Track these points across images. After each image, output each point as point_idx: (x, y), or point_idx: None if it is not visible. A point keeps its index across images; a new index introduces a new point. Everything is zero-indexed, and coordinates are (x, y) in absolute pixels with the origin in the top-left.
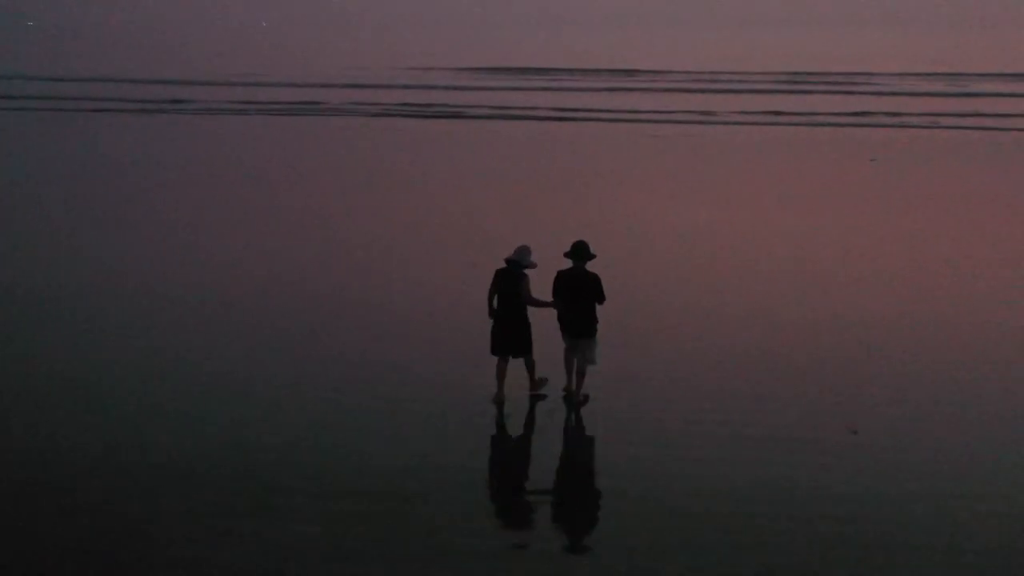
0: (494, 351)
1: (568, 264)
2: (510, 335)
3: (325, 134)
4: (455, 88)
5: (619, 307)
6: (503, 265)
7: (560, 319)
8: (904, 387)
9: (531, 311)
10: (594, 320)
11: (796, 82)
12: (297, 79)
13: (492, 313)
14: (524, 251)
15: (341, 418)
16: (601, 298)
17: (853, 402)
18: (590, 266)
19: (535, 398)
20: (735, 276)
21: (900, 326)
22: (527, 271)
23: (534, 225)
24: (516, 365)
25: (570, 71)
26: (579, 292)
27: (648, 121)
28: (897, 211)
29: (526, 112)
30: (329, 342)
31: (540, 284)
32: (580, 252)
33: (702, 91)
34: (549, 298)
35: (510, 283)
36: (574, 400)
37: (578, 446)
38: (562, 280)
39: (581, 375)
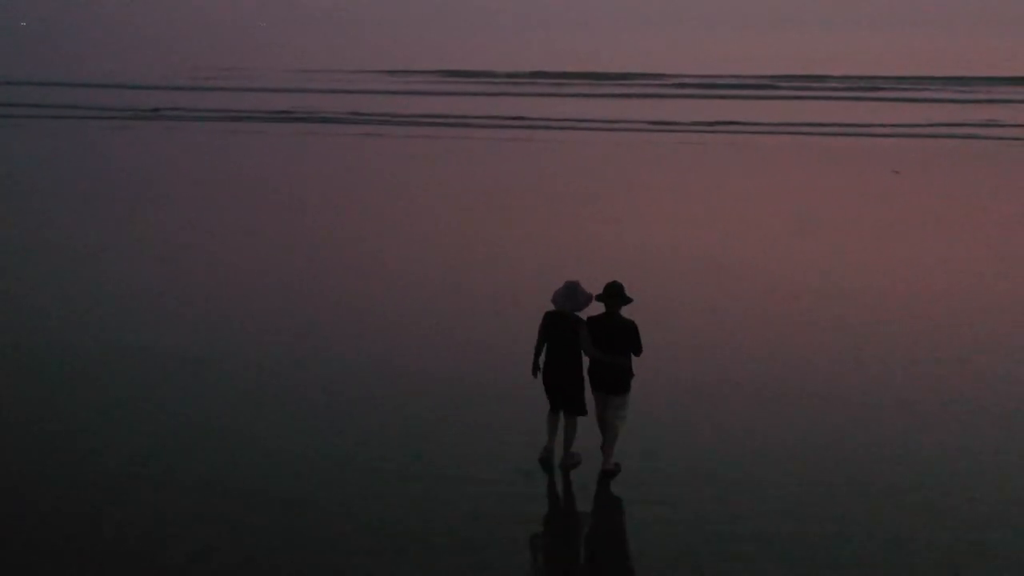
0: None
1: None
2: (563, 390)
3: (288, 143)
4: (432, 94)
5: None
6: (552, 307)
7: (590, 371)
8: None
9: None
10: (629, 374)
11: (806, 87)
12: (269, 84)
13: (537, 369)
14: (573, 289)
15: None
16: (638, 349)
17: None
18: (625, 311)
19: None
20: (774, 312)
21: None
22: (582, 313)
23: (518, 245)
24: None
25: (561, 76)
26: (613, 341)
27: (646, 130)
28: (943, 231)
29: (516, 122)
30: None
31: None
32: (615, 296)
33: (704, 97)
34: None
35: (564, 331)
36: (605, 468)
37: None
38: (594, 327)
39: (613, 438)
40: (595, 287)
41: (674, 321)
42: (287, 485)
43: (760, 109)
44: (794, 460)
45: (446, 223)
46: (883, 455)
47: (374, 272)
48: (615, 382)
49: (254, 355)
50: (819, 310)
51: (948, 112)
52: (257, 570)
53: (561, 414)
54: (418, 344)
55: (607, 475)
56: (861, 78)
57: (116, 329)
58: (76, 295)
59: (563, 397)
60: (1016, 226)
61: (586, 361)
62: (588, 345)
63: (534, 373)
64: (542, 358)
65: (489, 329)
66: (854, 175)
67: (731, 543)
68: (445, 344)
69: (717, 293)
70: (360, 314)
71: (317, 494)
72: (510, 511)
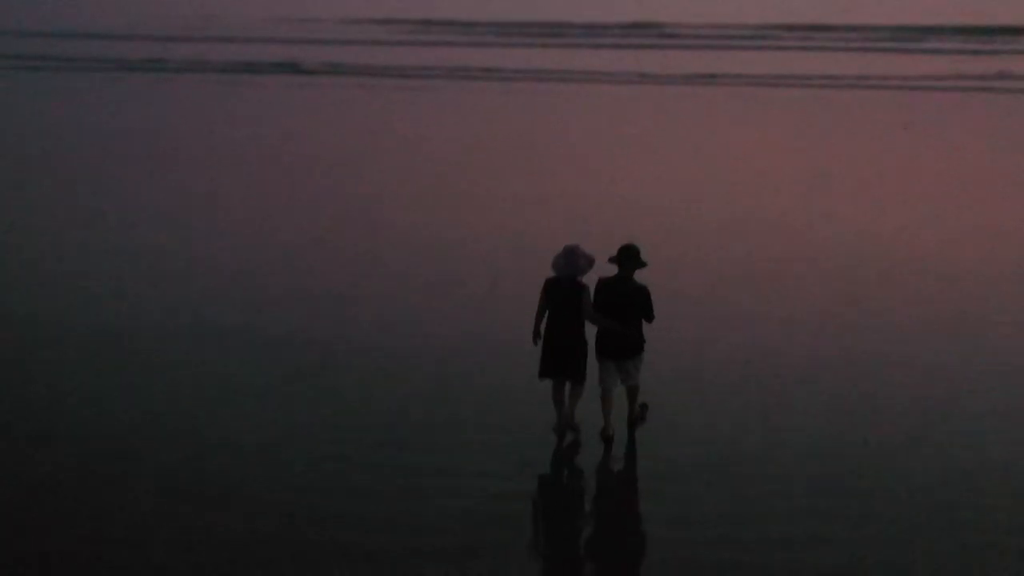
0: (544, 374)
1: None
2: (565, 357)
3: (278, 97)
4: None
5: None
6: (552, 275)
7: (599, 337)
8: None
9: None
10: (641, 339)
11: (809, 38)
12: (258, 34)
13: (537, 336)
14: (572, 254)
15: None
16: (650, 315)
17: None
18: (639, 275)
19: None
20: (784, 279)
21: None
22: (584, 278)
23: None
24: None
25: (553, 25)
26: (625, 306)
27: (643, 83)
28: (955, 188)
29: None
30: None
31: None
32: (629, 259)
33: (708, 48)
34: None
35: (566, 297)
36: (630, 422)
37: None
38: (605, 291)
39: (633, 393)
40: (587, 249)
41: (676, 289)
42: (262, 468)
43: (762, 61)
44: (813, 446)
45: (437, 182)
46: (910, 437)
47: (354, 238)
48: (626, 346)
49: (233, 329)
50: (833, 276)
51: (957, 64)
52: (233, 554)
53: (567, 384)
54: (408, 317)
55: (634, 424)
56: (866, 28)
57: (86, 300)
58: (41, 264)
59: (565, 364)
60: None
61: (592, 328)
62: (590, 312)
63: (535, 340)
64: (543, 326)
65: (484, 300)
66: (862, 130)
67: (748, 545)
68: (437, 316)
69: (722, 258)
70: (341, 284)
71: (298, 481)
72: (504, 507)
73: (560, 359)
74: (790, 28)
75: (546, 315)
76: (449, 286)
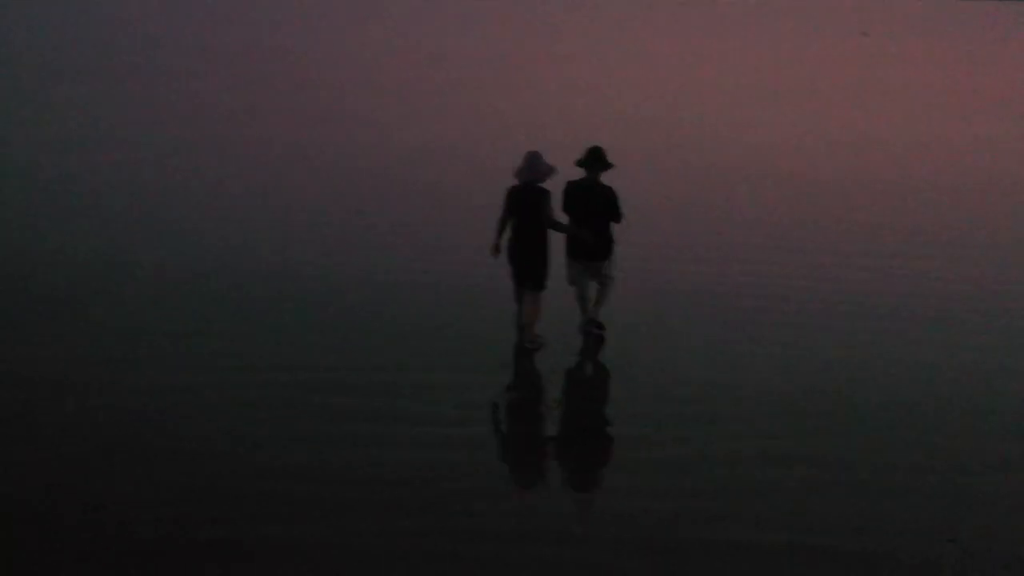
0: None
1: (579, 174)
2: (527, 264)
3: None
4: None
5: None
6: (515, 183)
7: (568, 239)
8: None
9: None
10: (610, 240)
11: None
12: None
13: (497, 249)
14: (535, 160)
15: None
16: (617, 216)
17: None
18: (606, 177)
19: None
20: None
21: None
22: (546, 185)
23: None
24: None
25: None
26: (593, 208)
27: None
28: (915, 100)
29: None
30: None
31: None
32: (596, 161)
33: None
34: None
35: (528, 204)
36: (589, 327)
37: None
38: (573, 193)
39: (604, 296)
40: (545, 155)
41: (637, 206)
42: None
43: None
44: (789, 374)
45: (407, 86)
46: (893, 364)
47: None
48: (596, 248)
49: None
50: (801, 195)
51: None
52: (178, 508)
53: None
54: (354, 237)
55: (588, 327)
56: None
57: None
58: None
59: (526, 269)
60: (992, 90)
61: (558, 235)
62: (550, 217)
63: (493, 253)
64: (507, 236)
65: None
66: (818, 38)
67: (723, 475)
68: (386, 238)
69: (677, 175)
70: (282, 209)
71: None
72: (453, 455)
73: (519, 266)
74: None
75: (511, 224)
76: (404, 206)
